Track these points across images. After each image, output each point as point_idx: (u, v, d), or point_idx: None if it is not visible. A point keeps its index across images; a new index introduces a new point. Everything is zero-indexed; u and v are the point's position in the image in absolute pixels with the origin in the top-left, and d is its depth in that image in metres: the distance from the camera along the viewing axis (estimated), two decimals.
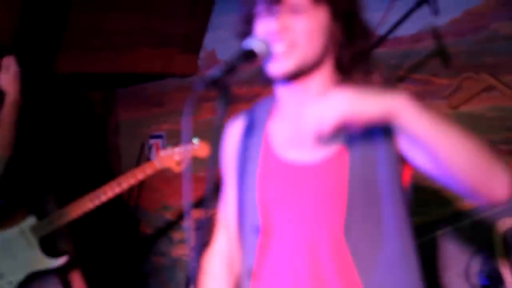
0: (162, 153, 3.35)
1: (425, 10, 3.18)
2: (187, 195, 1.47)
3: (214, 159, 1.49)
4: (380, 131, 1.63)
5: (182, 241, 4.52)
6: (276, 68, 1.67)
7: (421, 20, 3.43)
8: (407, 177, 1.70)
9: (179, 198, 4.39)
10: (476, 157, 1.43)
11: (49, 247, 3.28)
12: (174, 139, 4.46)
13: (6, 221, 3.19)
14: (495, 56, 3.46)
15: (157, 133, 4.66)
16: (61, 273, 3.32)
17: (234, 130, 1.92)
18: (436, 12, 3.08)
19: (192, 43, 4.39)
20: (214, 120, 1.52)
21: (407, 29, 3.49)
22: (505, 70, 3.44)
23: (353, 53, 1.71)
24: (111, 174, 3.78)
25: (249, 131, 1.86)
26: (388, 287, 1.62)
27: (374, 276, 1.62)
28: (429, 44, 3.58)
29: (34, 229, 3.21)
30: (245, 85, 3.85)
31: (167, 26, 4.21)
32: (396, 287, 1.63)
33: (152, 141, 4.67)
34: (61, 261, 3.27)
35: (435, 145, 1.44)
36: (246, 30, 1.76)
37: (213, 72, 1.51)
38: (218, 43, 4.27)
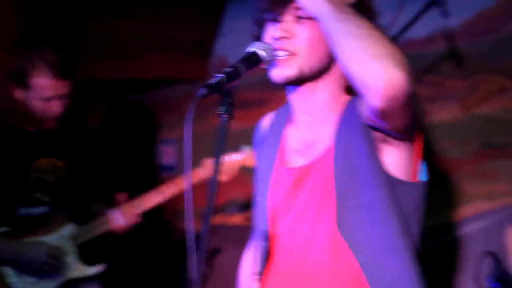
0: (209, 161, 3.19)
1: (437, 11, 3.15)
2: (188, 201, 1.47)
3: (216, 167, 1.48)
4: (358, 123, 1.64)
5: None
6: (277, 74, 1.68)
7: (433, 22, 3.41)
8: (414, 170, 1.69)
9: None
10: (365, 41, 1.45)
11: (88, 254, 3.24)
12: None
13: (47, 227, 3.16)
14: (508, 57, 3.42)
15: (168, 139, 4.65)
16: (101, 280, 3.29)
17: (262, 129, 1.96)
18: (445, 13, 3.06)
19: (203, 48, 4.39)
20: (217, 126, 1.51)
21: (419, 31, 3.46)
22: None
23: None
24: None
25: (269, 135, 1.89)
26: (382, 268, 1.63)
27: (371, 260, 1.63)
28: (441, 46, 3.55)
29: (73, 236, 3.19)
30: (255, 90, 3.84)
31: (177, 32, 4.21)
32: (390, 268, 1.63)
33: (163, 147, 4.66)
34: (98, 269, 3.24)
35: (333, 24, 1.50)
36: (260, 34, 1.77)
37: (216, 77, 1.50)
38: (229, 48, 4.26)
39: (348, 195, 1.64)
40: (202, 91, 1.46)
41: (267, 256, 1.77)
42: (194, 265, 1.42)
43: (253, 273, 1.82)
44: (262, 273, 1.78)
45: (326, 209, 1.66)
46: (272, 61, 1.65)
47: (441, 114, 3.55)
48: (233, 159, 3.21)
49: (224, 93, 1.51)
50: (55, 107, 3.12)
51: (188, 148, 1.43)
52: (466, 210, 3.50)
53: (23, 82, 3.07)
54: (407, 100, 1.46)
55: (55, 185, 3.18)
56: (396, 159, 1.65)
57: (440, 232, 3.50)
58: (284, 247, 1.74)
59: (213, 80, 1.49)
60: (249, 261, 2.02)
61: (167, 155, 4.63)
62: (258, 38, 1.75)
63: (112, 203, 3.27)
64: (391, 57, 1.43)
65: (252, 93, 3.97)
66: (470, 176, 3.49)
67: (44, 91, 3.07)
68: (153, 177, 3.43)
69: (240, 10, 4.13)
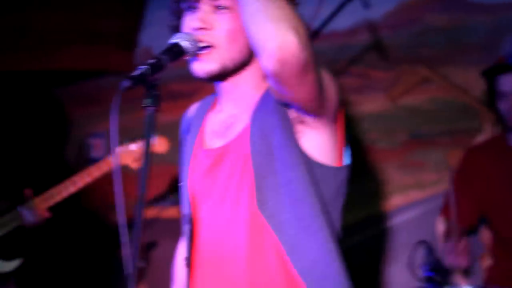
0: (118, 149, 3.19)
1: (359, 3, 3.19)
2: (120, 194, 1.44)
3: (146, 158, 1.46)
4: (275, 104, 1.64)
5: None
6: (198, 68, 1.66)
7: (357, 14, 3.45)
8: (339, 154, 1.69)
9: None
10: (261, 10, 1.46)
11: (3, 250, 3.17)
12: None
13: None
14: (430, 48, 3.50)
15: (97, 132, 4.58)
16: (17, 276, 3.21)
17: (188, 117, 1.95)
18: (366, 5, 3.10)
19: (127, 39, 4.34)
20: (144, 118, 1.49)
21: (343, 23, 3.50)
22: (441, 62, 3.49)
23: None
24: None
25: (193, 121, 1.88)
26: (303, 246, 1.63)
27: (291, 238, 1.62)
28: (365, 37, 3.60)
29: None
30: (184, 81, 3.82)
31: (100, 23, 4.14)
32: (310, 247, 1.63)
33: (92, 140, 4.59)
34: (14, 264, 3.16)
35: None
36: (178, 25, 1.74)
37: (139, 69, 1.47)
38: (154, 39, 4.21)
39: (267, 174, 1.63)
40: (126, 83, 1.44)
41: (191, 240, 1.77)
42: (128, 259, 1.40)
43: (183, 258, 1.80)
44: (189, 258, 1.77)
45: (246, 188, 1.65)
46: (195, 53, 1.62)
47: (368, 104, 3.61)
48: (141, 147, 3.17)
49: (148, 85, 1.48)
50: None
51: (114, 141, 1.41)
52: (397, 200, 3.56)
53: None
54: (302, 66, 1.44)
55: None
56: (315, 141, 1.65)
57: (372, 222, 3.56)
58: (207, 230, 1.74)
59: (136, 72, 1.47)
60: (181, 249, 2.01)
61: (96, 148, 4.57)
62: (176, 29, 1.72)
63: (21, 199, 3.19)
64: (288, 21, 1.43)
65: (180, 85, 3.94)
66: (400, 166, 3.56)
67: None
68: (73, 172, 3.39)
69: (165, 0, 4.09)
